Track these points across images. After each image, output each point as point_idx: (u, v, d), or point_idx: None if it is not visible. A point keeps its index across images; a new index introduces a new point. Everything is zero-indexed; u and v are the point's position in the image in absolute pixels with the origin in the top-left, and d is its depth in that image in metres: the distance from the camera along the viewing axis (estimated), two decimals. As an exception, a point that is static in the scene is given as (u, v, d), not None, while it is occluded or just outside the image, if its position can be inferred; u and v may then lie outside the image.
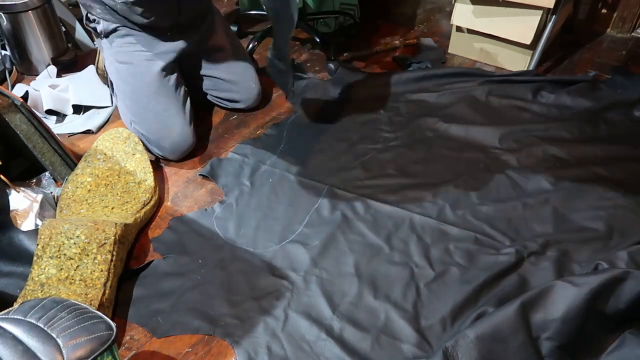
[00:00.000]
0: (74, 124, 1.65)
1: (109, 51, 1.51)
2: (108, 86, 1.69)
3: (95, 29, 1.50)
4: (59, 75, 1.87)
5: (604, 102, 1.67)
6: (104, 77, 1.71)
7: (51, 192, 1.35)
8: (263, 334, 1.06)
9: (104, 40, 1.50)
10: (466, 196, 1.36)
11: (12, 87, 1.78)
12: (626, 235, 1.22)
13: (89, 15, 1.49)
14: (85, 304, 1.03)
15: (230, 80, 1.62)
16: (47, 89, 1.71)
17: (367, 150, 1.52)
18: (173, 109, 1.47)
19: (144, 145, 1.47)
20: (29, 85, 1.78)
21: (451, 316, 1.07)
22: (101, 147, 1.42)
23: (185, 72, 1.58)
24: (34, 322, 0.81)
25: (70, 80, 1.79)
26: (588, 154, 1.48)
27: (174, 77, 1.50)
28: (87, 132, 1.63)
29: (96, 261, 1.11)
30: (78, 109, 1.70)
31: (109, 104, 1.72)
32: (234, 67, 1.63)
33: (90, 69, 1.83)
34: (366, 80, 1.84)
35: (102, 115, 1.69)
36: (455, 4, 1.87)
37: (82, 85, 1.75)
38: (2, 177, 1.23)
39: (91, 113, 1.69)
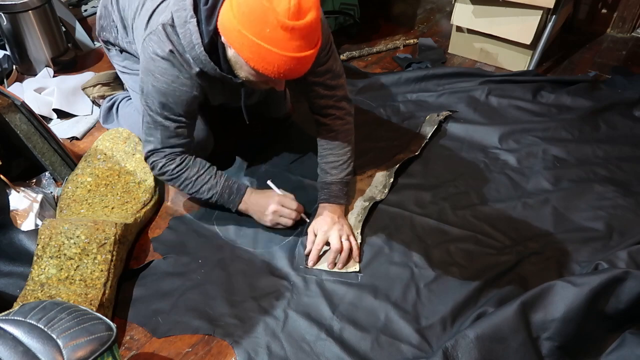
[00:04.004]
0: (59, 129, 1.62)
1: (120, 60, 1.45)
2: (93, 102, 1.69)
3: (110, 42, 1.45)
4: (57, 75, 1.86)
5: (604, 102, 1.67)
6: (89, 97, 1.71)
7: (51, 192, 1.35)
8: (263, 334, 1.06)
9: (116, 50, 1.45)
10: (466, 196, 1.36)
11: (8, 87, 1.77)
12: (626, 235, 1.22)
13: (112, 40, 1.41)
14: (85, 304, 1.03)
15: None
16: (32, 93, 1.69)
17: (367, 150, 1.52)
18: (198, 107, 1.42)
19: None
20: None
21: (451, 316, 1.07)
22: (101, 147, 1.42)
23: None
24: (34, 323, 0.81)
25: (60, 82, 1.76)
26: (588, 154, 1.48)
27: None
28: (72, 138, 1.61)
29: (96, 261, 1.11)
30: (63, 113, 1.68)
31: (88, 113, 1.69)
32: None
33: (86, 75, 1.82)
34: (366, 80, 1.84)
35: (87, 122, 1.66)
36: (455, 4, 1.87)
37: (69, 90, 1.72)
38: (2, 177, 1.23)
39: (77, 119, 1.67)
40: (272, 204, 1.24)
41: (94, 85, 1.67)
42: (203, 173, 1.23)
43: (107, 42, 1.48)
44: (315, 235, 1.21)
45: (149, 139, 1.19)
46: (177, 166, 1.20)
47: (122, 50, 1.44)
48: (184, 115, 1.15)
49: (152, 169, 1.23)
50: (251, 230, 1.29)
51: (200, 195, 1.24)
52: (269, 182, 1.31)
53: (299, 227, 1.27)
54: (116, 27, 1.37)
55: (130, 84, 1.46)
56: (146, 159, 1.23)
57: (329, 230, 1.19)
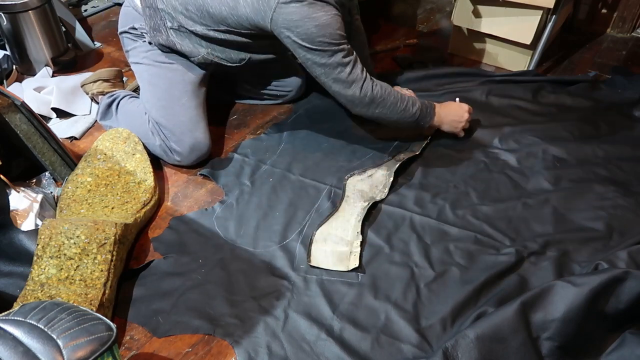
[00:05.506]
0: (57, 128, 1.62)
1: (144, 50, 1.49)
2: (91, 99, 1.71)
3: (137, 35, 1.49)
4: (56, 74, 1.86)
5: (604, 102, 1.67)
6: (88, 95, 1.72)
7: (51, 192, 1.35)
8: (263, 333, 1.06)
9: (143, 42, 1.49)
10: (466, 196, 1.36)
11: (8, 87, 1.77)
12: (626, 235, 1.22)
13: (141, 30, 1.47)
14: (85, 304, 1.04)
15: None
16: (31, 92, 1.69)
17: (368, 150, 1.52)
18: (201, 110, 1.49)
19: (162, 146, 1.46)
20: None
21: (451, 316, 1.07)
22: (101, 147, 1.42)
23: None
24: (35, 323, 0.81)
25: (59, 81, 1.76)
26: (588, 154, 1.48)
27: (204, 90, 1.52)
28: (71, 138, 1.61)
29: (96, 261, 1.11)
30: (62, 113, 1.68)
31: (86, 112, 1.69)
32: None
33: (85, 75, 1.82)
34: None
35: (86, 121, 1.66)
36: (456, 3, 1.87)
37: (68, 90, 1.72)
38: (2, 177, 1.23)
39: (76, 118, 1.67)
40: (465, 112, 1.48)
41: (94, 82, 1.67)
42: (397, 91, 1.38)
43: (132, 37, 1.50)
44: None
45: (340, 71, 1.30)
46: (380, 87, 1.34)
47: (151, 42, 1.47)
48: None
49: (364, 96, 1.32)
50: (251, 229, 1.29)
51: (406, 111, 1.37)
52: (457, 99, 1.54)
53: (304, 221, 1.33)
54: (165, 24, 1.40)
55: (146, 76, 1.48)
56: (352, 94, 1.33)
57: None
